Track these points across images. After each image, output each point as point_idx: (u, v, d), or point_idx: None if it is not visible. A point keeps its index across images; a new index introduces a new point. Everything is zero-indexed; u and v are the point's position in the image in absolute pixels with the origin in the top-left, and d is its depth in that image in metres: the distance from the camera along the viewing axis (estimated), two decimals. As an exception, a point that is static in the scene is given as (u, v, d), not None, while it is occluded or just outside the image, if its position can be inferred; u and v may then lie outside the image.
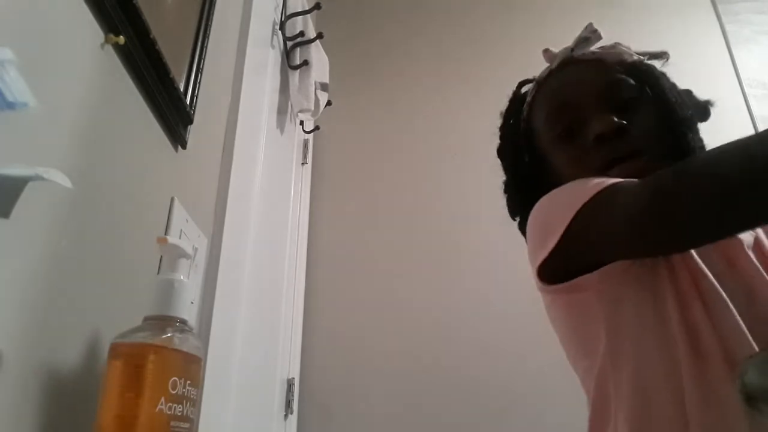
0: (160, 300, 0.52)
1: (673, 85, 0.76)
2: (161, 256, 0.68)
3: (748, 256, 0.62)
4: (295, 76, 1.58)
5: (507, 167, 0.84)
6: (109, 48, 0.63)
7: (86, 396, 0.53)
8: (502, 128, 0.86)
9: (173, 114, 0.79)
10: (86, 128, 0.59)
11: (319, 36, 1.66)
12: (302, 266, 1.81)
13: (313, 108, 1.64)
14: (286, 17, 1.55)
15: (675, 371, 0.57)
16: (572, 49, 0.78)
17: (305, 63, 1.60)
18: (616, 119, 0.67)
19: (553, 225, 0.64)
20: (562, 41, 0.82)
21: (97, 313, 0.59)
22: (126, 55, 0.66)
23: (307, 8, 1.66)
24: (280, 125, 1.58)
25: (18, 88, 0.42)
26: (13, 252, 0.47)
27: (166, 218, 0.78)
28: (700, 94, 0.82)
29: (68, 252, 0.55)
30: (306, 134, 1.97)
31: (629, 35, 0.80)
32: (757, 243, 0.65)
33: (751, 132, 2.08)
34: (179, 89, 0.79)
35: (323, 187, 2.01)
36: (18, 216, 0.45)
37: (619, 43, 0.79)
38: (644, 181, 0.58)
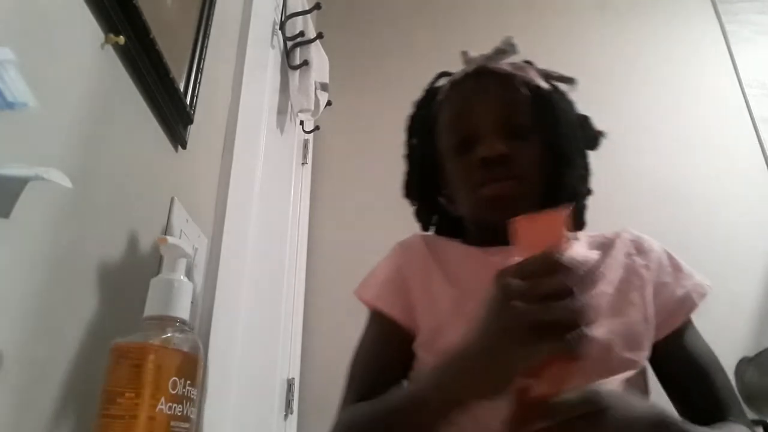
0: (160, 300, 0.52)
1: (569, 117, 0.78)
2: (161, 256, 0.68)
3: None
4: (295, 76, 1.58)
5: (408, 156, 0.88)
6: (109, 48, 0.63)
7: (86, 396, 0.53)
8: (411, 119, 0.88)
9: (173, 114, 0.79)
10: (86, 128, 0.59)
11: (319, 36, 1.66)
12: (302, 266, 1.81)
13: (313, 108, 1.64)
14: (286, 17, 1.55)
15: None
16: (488, 58, 0.80)
17: (305, 63, 1.60)
18: (503, 147, 0.71)
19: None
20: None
21: (97, 313, 0.59)
22: (126, 55, 0.66)
23: (307, 8, 1.66)
24: (280, 125, 1.58)
25: (18, 88, 0.42)
26: (13, 252, 0.47)
27: (166, 218, 0.78)
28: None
29: (68, 252, 0.55)
30: (306, 134, 1.97)
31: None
32: None
33: (751, 131, 2.08)
34: (179, 89, 0.79)
35: (323, 187, 2.01)
36: (18, 216, 0.45)
37: (530, 63, 0.82)
38: (349, 401, 0.71)
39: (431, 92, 0.86)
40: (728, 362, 1.59)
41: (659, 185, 1.98)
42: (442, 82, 0.86)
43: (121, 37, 0.63)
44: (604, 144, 0.81)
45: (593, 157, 0.81)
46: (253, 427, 1.25)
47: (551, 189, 0.74)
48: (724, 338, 1.74)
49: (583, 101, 0.81)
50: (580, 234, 0.79)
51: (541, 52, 0.86)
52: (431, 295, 0.71)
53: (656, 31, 2.27)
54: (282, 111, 1.58)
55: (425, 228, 0.87)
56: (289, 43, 1.57)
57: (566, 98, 0.81)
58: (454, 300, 0.69)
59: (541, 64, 0.83)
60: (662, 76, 2.17)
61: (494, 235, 0.74)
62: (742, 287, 1.83)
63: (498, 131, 0.73)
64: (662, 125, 2.09)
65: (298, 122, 1.84)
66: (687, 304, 0.70)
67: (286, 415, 1.54)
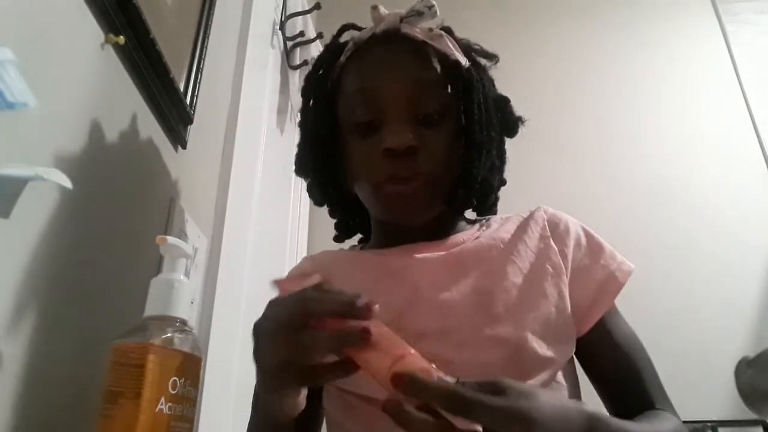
0: (160, 300, 0.52)
1: (486, 99, 0.69)
2: (161, 256, 0.68)
3: None
4: (295, 76, 1.58)
5: (302, 124, 0.77)
6: (109, 48, 0.63)
7: (86, 396, 0.53)
8: (307, 80, 0.76)
9: (173, 114, 0.79)
10: (86, 128, 0.59)
11: (319, 36, 1.66)
12: (302, 266, 1.81)
13: (313, 108, 1.64)
14: (286, 17, 1.55)
15: None
16: (401, 19, 0.70)
17: (305, 63, 1.60)
18: (411, 136, 0.62)
19: None
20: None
21: (97, 313, 0.59)
22: (126, 55, 0.66)
23: (307, 8, 1.66)
24: (280, 125, 1.59)
25: (18, 88, 0.42)
26: (13, 252, 0.47)
27: (166, 218, 0.78)
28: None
29: (68, 252, 0.55)
30: (306, 134, 1.97)
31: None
32: None
33: (751, 131, 2.08)
34: (179, 89, 0.79)
35: (323, 187, 2.01)
36: (18, 216, 0.45)
37: (448, 32, 0.72)
38: None
39: (334, 49, 0.74)
40: (728, 362, 1.60)
41: (659, 185, 1.98)
42: (348, 37, 0.75)
43: (121, 37, 0.63)
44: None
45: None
46: (253, 427, 1.25)
47: (461, 179, 0.66)
48: (724, 338, 1.75)
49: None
50: (493, 218, 0.73)
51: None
52: None
53: (656, 31, 2.26)
54: (282, 111, 1.58)
55: (318, 204, 0.80)
56: (289, 43, 1.57)
57: (486, 77, 0.72)
58: None
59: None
60: (662, 76, 2.17)
61: (394, 231, 0.69)
62: (742, 287, 1.83)
63: (407, 116, 0.64)
64: (662, 125, 2.09)
65: (298, 122, 1.84)
66: (611, 285, 0.65)
67: (286, 415, 1.54)
